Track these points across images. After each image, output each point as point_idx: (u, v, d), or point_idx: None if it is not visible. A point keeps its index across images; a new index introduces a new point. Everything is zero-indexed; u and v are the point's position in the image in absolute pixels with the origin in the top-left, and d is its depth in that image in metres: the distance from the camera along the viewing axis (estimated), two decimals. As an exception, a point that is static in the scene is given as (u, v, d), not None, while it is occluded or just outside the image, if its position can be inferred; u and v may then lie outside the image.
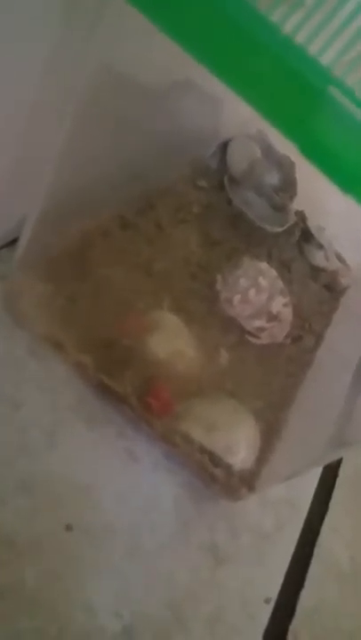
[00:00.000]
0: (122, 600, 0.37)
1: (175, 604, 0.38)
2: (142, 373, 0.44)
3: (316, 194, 0.56)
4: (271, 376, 0.51)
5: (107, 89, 0.37)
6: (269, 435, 0.46)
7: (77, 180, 0.41)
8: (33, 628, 0.34)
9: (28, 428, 0.40)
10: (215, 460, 0.43)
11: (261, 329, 0.52)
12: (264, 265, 0.54)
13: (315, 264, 0.63)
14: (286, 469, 0.44)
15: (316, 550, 0.46)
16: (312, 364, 0.54)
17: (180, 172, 0.61)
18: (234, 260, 0.54)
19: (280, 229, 0.61)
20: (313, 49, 0.25)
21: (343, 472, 0.52)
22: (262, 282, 0.52)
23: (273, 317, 0.52)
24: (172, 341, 0.47)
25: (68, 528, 0.38)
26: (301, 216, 0.64)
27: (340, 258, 0.64)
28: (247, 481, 0.43)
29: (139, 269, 0.51)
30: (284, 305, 0.53)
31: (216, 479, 0.43)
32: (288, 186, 0.63)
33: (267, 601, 0.42)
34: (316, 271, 0.63)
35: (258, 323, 0.52)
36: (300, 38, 0.25)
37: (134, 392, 0.43)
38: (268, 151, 0.62)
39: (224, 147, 0.64)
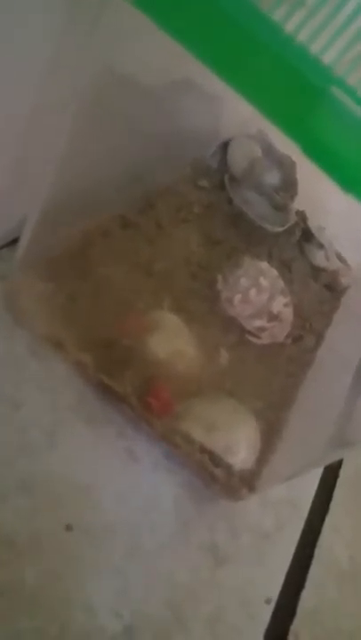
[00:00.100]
0: (122, 600, 0.37)
1: (175, 604, 0.38)
2: (142, 373, 0.44)
3: (317, 193, 0.56)
4: (272, 376, 0.51)
5: (108, 89, 0.37)
6: (270, 435, 0.46)
7: (78, 180, 0.41)
8: (33, 627, 0.34)
9: (28, 427, 0.40)
10: (215, 459, 0.43)
11: (262, 329, 0.52)
12: (265, 265, 0.54)
13: (315, 264, 0.63)
14: (287, 469, 0.44)
15: (317, 551, 0.46)
16: (313, 364, 0.54)
17: (180, 171, 0.61)
18: (234, 260, 0.54)
19: (281, 229, 0.61)
20: (314, 48, 0.25)
21: (344, 472, 0.52)
22: (263, 282, 0.52)
23: (273, 317, 0.52)
24: (172, 341, 0.47)
25: (68, 528, 0.38)
26: (302, 216, 0.64)
27: (340, 258, 0.64)
28: (248, 481, 0.43)
29: (139, 269, 0.51)
30: (285, 305, 0.53)
31: (216, 479, 0.43)
32: (289, 185, 0.63)
33: (267, 601, 0.41)
34: (316, 271, 0.63)
35: (258, 322, 0.52)
36: (301, 37, 0.25)
37: (134, 392, 0.43)
38: (269, 151, 0.62)
39: (225, 146, 0.64)
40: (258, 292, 0.52)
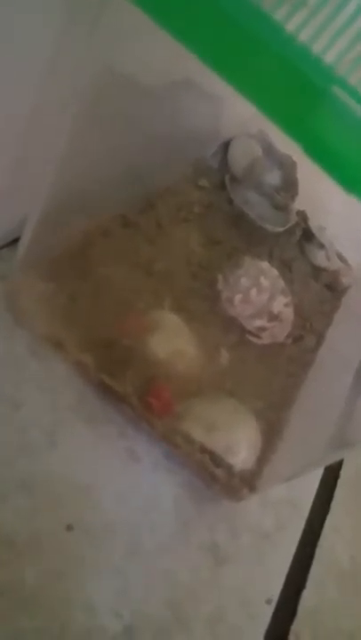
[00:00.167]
0: (122, 600, 0.37)
1: (175, 604, 0.38)
2: (143, 373, 0.44)
3: (318, 193, 0.56)
4: (272, 376, 0.51)
5: (108, 89, 0.37)
6: (270, 435, 0.46)
7: (78, 180, 0.41)
8: (33, 627, 0.34)
9: (28, 427, 0.40)
10: (216, 459, 0.43)
11: (262, 329, 0.52)
12: (265, 264, 0.54)
13: (316, 264, 0.63)
14: (287, 470, 0.44)
15: (318, 551, 0.46)
16: (313, 364, 0.54)
17: (181, 171, 0.61)
18: (235, 260, 0.54)
19: (281, 229, 0.61)
20: (316, 48, 0.25)
21: (344, 472, 0.52)
22: (263, 281, 0.52)
23: (274, 317, 0.52)
24: (172, 341, 0.47)
25: (69, 528, 0.38)
26: (303, 216, 0.64)
27: (341, 257, 0.64)
28: (248, 481, 0.43)
29: (140, 269, 0.51)
30: (286, 305, 0.53)
31: (217, 479, 0.43)
32: (289, 185, 0.63)
33: (268, 601, 0.41)
34: (317, 271, 0.63)
35: (259, 322, 0.52)
36: (303, 37, 0.25)
37: (135, 392, 0.43)
38: (270, 150, 0.62)
39: (225, 146, 0.64)
40: (258, 291, 0.52)
